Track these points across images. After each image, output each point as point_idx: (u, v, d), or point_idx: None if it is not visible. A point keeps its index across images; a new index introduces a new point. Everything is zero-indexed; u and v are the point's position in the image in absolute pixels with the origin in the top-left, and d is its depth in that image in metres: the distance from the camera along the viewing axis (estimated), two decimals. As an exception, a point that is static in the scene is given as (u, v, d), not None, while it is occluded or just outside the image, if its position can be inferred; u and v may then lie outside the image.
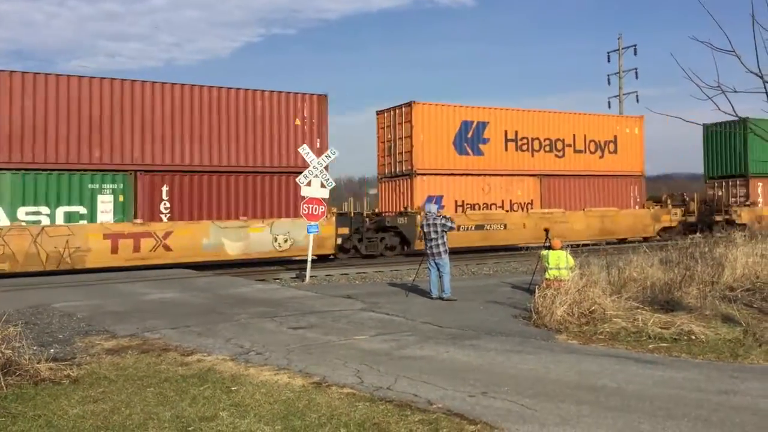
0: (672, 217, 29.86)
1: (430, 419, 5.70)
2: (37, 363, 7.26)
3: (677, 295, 11.18)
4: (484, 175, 25.67)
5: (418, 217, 22.47)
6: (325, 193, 17.15)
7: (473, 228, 24.90)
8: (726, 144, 33.62)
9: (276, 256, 21.26)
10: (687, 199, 31.93)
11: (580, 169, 27.88)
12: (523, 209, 26.49)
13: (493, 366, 7.65)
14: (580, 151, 27.94)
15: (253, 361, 7.98)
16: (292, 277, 17.83)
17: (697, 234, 29.88)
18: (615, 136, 29.04)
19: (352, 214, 22.79)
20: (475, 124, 25.50)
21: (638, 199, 29.37)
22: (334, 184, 17.66)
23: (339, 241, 21.75)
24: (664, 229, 29.50)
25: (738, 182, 33.14)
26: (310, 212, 16.84)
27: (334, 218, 21.57)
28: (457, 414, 5.83)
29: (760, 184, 32.82)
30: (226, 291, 14.67)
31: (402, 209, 24.56)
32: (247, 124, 20.86)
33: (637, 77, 47.12)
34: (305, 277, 16.92)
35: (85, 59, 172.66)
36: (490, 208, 25.68)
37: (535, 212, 26.58)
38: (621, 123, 29.83)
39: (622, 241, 28.82)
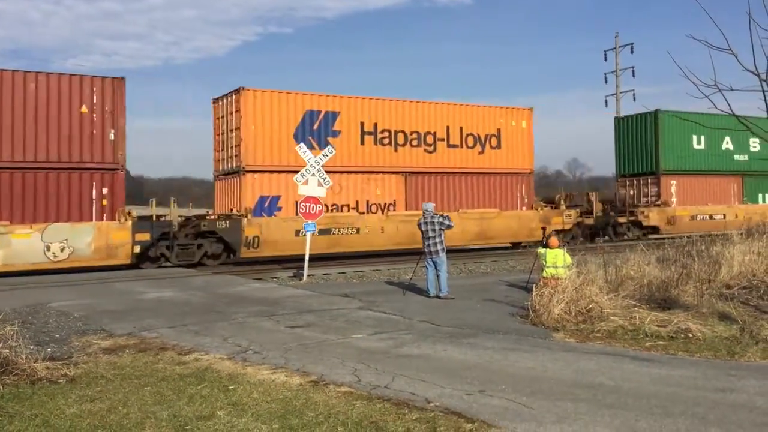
0: (565, 219, 26.80)
1: (427, 417, 5.70)
2: (34, 362, 7.25)
3: (674, 293, 11.19)
4: (334, 172, 21.48)
5: (245, 220, 20.30)
6: (322, 192, 17.15)
7: (317, 233, 20.85)
8: (638, 138, 31.08)
9: (51, 268, 17.78)
10: (592, 199, 29.10)
11: (455, 166, 24.61)
12: (383, 211, 23.27)
13: (491, 364, 7.66)
14: (455, 146, 24.62)
15: (250, 360, 7.97)
16: (289, 276, 17.82)
17: (604, 238, 28.16)
18: (498, 130, 25.75)
19: (154, 218, 19.51)
20: (322, 114, 22.39)
21: (526, 200, 26.21)
22: (331, 183, 17.66)
23: (138, 249, 18.63)
24: (557, 233, 25.16)
25: (649, 180, 30.28)
26: (307, 211, 16.84)
27: (129, 222, 18.54)
28: (454, 412, 5.84)
29: (674, 182, 30.13)
30: (224, 290, 14.66)
31: (228, 211, 21.64)
32: (15, 112, 17.55)
33: (634, 75, 47.25)
34: (303, 275, 16.92)
35: (81, 58, 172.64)
36: (341, 210, 22.52)
37: (396, 214, 23.19)
38: (506, 115, 26.14)
39: (516, 245, 26.01)
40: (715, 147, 31.36)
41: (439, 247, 12.91)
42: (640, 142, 30.90)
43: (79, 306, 12.28)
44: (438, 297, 12.89)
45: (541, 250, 12.63)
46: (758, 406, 5.97)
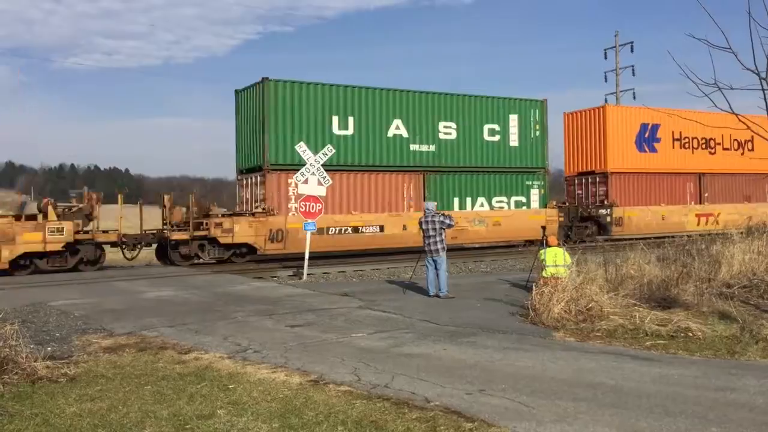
0: (50, 235, 17.99)
1: (427, 417, 5.70)
2: (34, 361, 7.25)
3: (674, 292, 11.19)
4: None
5: None
6: (322, 191, 17.14)
7: None
8: (250, 120, 22.42)
9: None
10: (167, 204, 20.87)
11: None
12: None
13: (491, 363, 7.66)
14: None
15: (250, 359, 7.97)
16: (289, 275, 17.81)
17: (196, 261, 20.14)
18: None
19: None
20: None
21: None
22: (331, 182, 17.64)
23: None
24: (19, 263, 17.92)
25: (259, 179, 21.73)
26: (307, 210, 16.84)
27: None
28: (454, 411, 5.83)
29: (290, 181, 20.44)
30: (224, 289, 14.65)
31: None
32: None
33: (634, 74, 47.00)
34: (302, 274, 16.91)
35: (82, 57, 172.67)
36: None
37: None
38: None
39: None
40: (376, 132, 22.80)
41: (439, 246, 12.90)
42: (251, 125, 22.30)
43: (80, 305, 12.27)
44: (438, 296, 12.88)
45: (541, 249, 12.63)
46: (758, 405, 5.97)
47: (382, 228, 22.64)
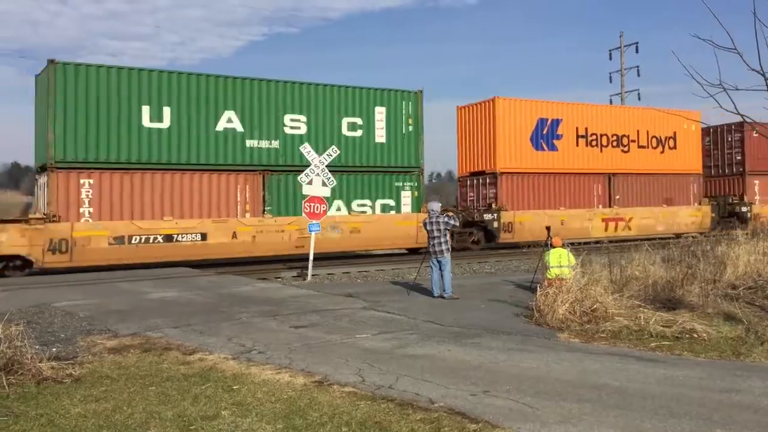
0: None
1: (431, 418, 5.70)
2: (39, 362, 7.26)
3: (679, 294, 11.16)
4: None
5: None
6: (326, 192, 17.16)
7: None
8: (43, 111, 19.40)
9: None
10: None
11: None
12: None
13: (495, 365, 7.65)
14: None
15: (254, 360, 7.98)
16: (293, 276, 17.82)
17: None
18: None
19: None
20: None
21: None
22: (335, 183, 17.65)
23: None
24: None
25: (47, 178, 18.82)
26: (311, 211, 16.85)
27: None
28: (458, 413, 5.83)
29: (88, 181, 18.41)
30: (228, 290, 14.66)
31: None
32: None
33: (639, 75, 46.82)
34: (307, 275, 16.92)
35: (87, 59, 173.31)
36: None
37: None
38: None
39: None
40: (200, 126, 19.97)
41: (444, 247, 12.89)
42: (43, 116, 19.09)
43: (84, 306, 12.30)
44: (442, 297, 12.87)
45: (546, 250, 12.61)
46: (763, 407, 5.95)
47: (204, 236, 19.64)
